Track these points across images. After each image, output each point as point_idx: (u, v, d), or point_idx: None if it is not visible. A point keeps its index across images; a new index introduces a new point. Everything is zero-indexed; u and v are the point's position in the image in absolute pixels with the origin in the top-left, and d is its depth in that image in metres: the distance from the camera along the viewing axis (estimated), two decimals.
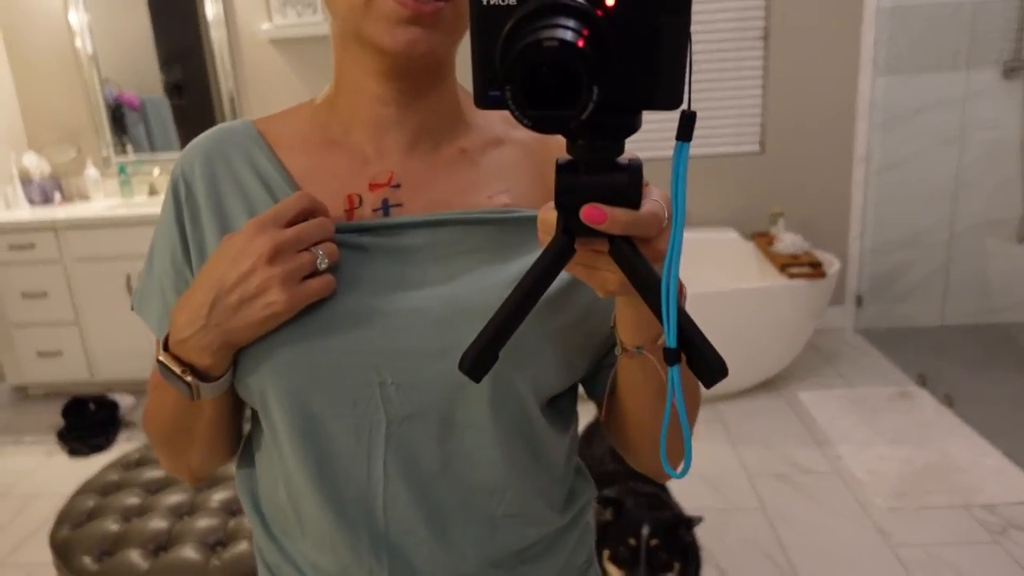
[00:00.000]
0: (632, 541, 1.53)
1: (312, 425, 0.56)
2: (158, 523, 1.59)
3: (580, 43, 0.33)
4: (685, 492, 2.02)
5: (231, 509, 1.64)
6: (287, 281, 0.52)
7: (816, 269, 2.86)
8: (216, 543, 1.53)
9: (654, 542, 1.53)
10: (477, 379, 0.44)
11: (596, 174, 0.40)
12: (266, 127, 0.62)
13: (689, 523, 1.58)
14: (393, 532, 0.58)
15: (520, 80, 0.34)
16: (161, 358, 0.56)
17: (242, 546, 1.50)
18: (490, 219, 0.58)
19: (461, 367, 0.44)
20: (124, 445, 2.86)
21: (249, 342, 0.55)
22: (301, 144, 0.61)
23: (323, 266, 0.54)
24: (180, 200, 0.61)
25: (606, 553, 1.58)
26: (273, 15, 3.25)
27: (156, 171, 3.48)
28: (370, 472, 0.57)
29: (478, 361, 0.44)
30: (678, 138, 0.38)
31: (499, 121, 0.63)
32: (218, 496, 1.68)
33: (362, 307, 0.56)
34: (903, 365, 3.13)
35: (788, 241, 3.05)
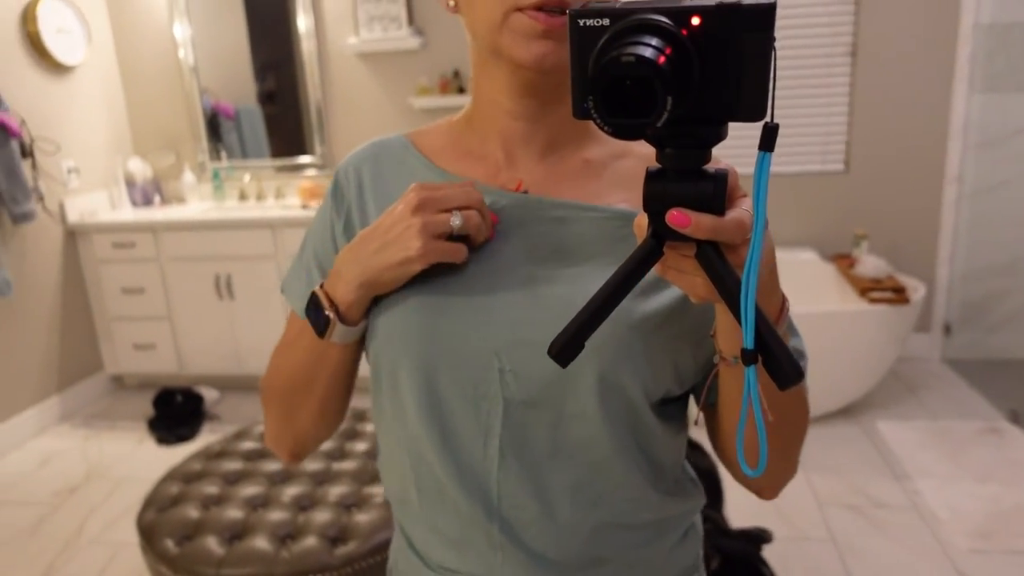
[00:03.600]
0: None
1: (437, 400, 0.62)
2: (234, 513, 1.68)
3: (661, 60, 0.37)
4: (752, 517, 1.97)
5: (302, 504, 1.71)
6: (424, 232, 0.59)
7: (900, 294, 2.74)
8: (286, 536, 1.60)
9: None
10: (564, 364, 0.48)
11: (683, 181, 0.43)
12: (416, 138, 0.71)
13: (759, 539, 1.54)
14: (506, 506, 0.63)
15: (601, 91, 0.38)
16: (315, 290, 0.65)
17: (310, 540, 1.57)
18: (616, 215, 0.62)
19: (550, 352, 0.48)
20: (207, 436, 3.02)
21: (386, 288, 0.62)
22: (443, 154, 0.68)
23: (456, 224, 0.60)
24: (334, 199, 0.70)
25: None
26: (360, 30, 3.38)
27: (247, 177, 3.66)
28: (486, 449, 0.62)
29: (565, 348, 0.48)
30: (760, 148, 0.41)
31: None
32: (291, 491, 1.75)
33: (492, 296, 0.61)
34: (993, 399, 2.96)
35: (870, 264, 2.94)
